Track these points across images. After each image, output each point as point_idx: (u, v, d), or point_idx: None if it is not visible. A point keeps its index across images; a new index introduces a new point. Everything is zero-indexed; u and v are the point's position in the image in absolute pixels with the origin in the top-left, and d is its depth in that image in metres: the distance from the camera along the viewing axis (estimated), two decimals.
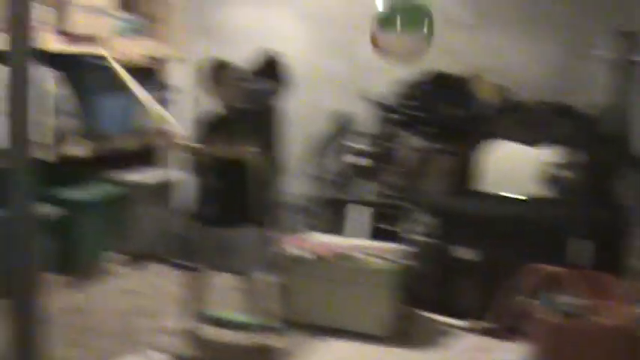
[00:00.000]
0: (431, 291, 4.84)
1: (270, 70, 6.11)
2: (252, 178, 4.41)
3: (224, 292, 5.19)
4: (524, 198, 4.94)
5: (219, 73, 4.42)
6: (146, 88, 5.88)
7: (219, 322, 4.79)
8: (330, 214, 5.98)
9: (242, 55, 6.33)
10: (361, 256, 4.38)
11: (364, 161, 5.72)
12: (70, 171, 5.50)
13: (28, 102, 2.06)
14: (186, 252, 5.69)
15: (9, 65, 2.10)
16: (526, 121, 5.19)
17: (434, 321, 4.80)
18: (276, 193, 4.73)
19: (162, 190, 6.10)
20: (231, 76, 4.43)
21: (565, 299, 3.88)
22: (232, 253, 4.45)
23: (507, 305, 4.18)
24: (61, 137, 5.11)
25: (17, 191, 2.07)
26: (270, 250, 4.51)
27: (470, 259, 4.76)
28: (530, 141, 5.12)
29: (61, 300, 5.03)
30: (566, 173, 4.98)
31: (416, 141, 5.71)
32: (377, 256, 4.39)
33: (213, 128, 4.42)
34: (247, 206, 4.40)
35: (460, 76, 5.69)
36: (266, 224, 4.46)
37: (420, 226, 4.90)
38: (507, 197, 4.95)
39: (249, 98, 5.86)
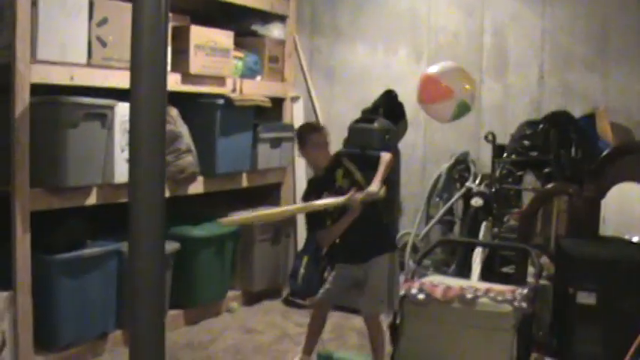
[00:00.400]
0: (549, 336, 4.72)
1: (391, 109, 6.13)
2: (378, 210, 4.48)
3: (341, 330, 5.19)
4: None
5: (307, 137, 4.51)
6: (264, 127, 6.00)
7: None
8: (446, 255, 5.92)
9: (363, 94, 6.40)
10: (479, 298, 4.30)
11: (481, 202, 5.64)
12: (187, 208, 5.60)
13: (162, 140, 2.09)
14: (304, 289, 5.73)
15: (133, 103, 2.15)
16: None
17: None
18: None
19: (279, 227, 6.14)
20: (319, 140, 4.48)
21: None
22: (358, 291, 4.49)
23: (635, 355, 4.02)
24: (178, 175, 5.20)
25: (146, 227, 2.10)
26: (392, 284, 4.51)
27: (590, 303, 4.61)
28: None
29: (176, 335, 5.11)
30: None
31: (534, 182, 5.62)
32: (495, 299, 4.30)
33: (322, 185, 4.50)
34: (377, 238, 4.50)
35: (580, 116, 5.58)
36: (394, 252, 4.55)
37: (537, 269, 4.78)
38: (629, 241, 4.80)
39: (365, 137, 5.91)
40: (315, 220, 4.52)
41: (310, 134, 4.50)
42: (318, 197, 4.43)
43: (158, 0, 2.03)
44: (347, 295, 4.60)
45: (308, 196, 4.52)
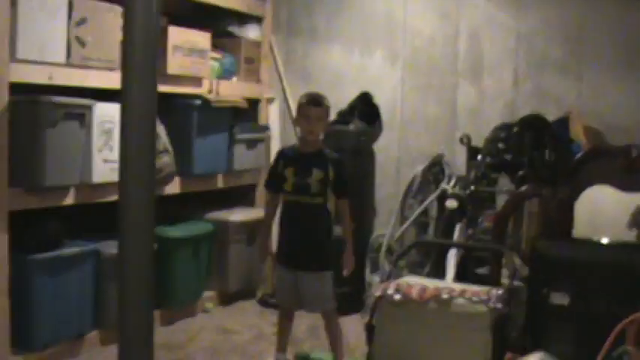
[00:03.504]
0: (524, 336, 4.79)
1: (367, 112, 6.17)
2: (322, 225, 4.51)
3: (317, 330, 5.24)
4: (619, 243, 4.85)
5: (302, 107, 4.50)
6: (240, 128, 6.03)
7: None
8: (420, 257, 5.97)
9: (338, 96, 6.44)
10: (455, 299, 4.36)
11: (456, 204, 5.70)
12: (164, 208, 5.60)
13: (152, 139, 2.12)
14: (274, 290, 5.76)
15: (124, 103, 2.18)
16: (621, 166, 5.11)
17: None
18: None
19: (254, 229, 6.17)
20: (310, 113, 4.47)
21: None
22: (308, 293, 4.53)
23: (610, 354, 4.09)
24: (155, 175, 5.21)
25: (136, 226, 2.13)
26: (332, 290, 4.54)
27: (563, 304, 4.69)
28: (625, 186, 5.04)
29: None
30: None
31: (508, 184, 5.68)
32: (470, 300, 4.36)
33: (291, 161, 4.51)
34: (316, 252, 4.50)
35: (554, 120, 5.66)
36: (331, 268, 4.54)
37: (511, 270, 4.84)
38: (601, 243, 4.87)
39: (340, 139, 5.95)
40: (273, 178, 4.60)
41: (305, 105, 4.47)
42: (283, 168, 4.48)
43: (149, 2, 2.06)
44: (296, 295, 4.58)
45: (276, 164, 4.58)
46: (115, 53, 4.76)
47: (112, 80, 4.67)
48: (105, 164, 4.74)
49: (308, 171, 4.44)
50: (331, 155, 4.52)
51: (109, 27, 4.73)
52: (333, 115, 6.16)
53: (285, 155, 4.58)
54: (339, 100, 6.40)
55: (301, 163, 4.48)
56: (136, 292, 2.15)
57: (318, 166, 4.44)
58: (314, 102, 4.49)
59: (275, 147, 6.60)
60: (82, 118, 4.58)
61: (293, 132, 6.67)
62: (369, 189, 6.34)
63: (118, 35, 4.70)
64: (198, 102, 5.61)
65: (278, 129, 6.72)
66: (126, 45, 2.14)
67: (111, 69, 4.75)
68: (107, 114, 4.72)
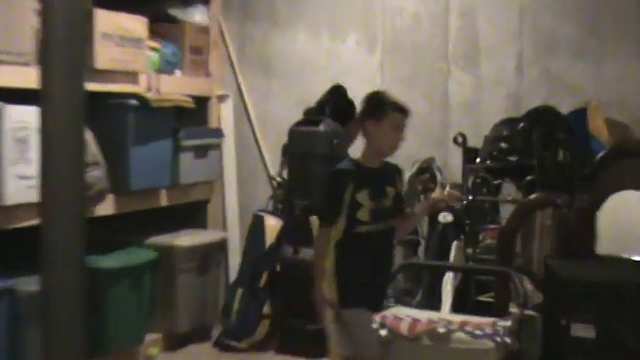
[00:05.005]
0: None
1: (340, 108, 6.16)
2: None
3: None
4: None
5: (392, 112, 4.14)
6: (187, 133, 6.00)
7: None
8: (409, 283, 5.96)
9: (305, 91, 6.43)
10: (454, 333, 4.36)
11: (451, 218, 5.71)
12: (95, 233, 5.56)
13: (80, 149, 2.08)
14: (239, 328, 5.70)
15: (43, 105, 2.14)
16: None
17: None
18: None
19: (207, 255, 6.15)
20: (401, 123, 4.16)
21: None
22: None
23: None
24: (84, 192, 5.17)
25: (62, 256, 2.09)
26: None
27: (585, 336, 4.70)
28: None
29: None
30: None
31: (514, 192, 5.70)
32: (472, 334, 4.37)
33: (361, 182, 4.10)
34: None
35: (568, 112, 5.67)
36: None
37: (522, 297, 4.86)
38: (631, 260, 4.89)
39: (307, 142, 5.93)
40: (337, 207, 4.14)
41: (396, 113, 4.12)
42: (354, 192, 4.06)
43: None
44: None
45: (341, 188, 4.09)
46: (29, 45, 4.71)
47: (27, 77, 4.61)
48: (20, 181, 4.68)
49: (382, 191, 4.15)
50: (393, 165, 4.33)
51: (19, 13, 4.67)
52: (299, 114, 6.17)
53: (353, 176, 4.13)
54: (305, 95, 6.40)
55: (372, 182, 4.15)
56: (63, 338, 2.11)
57: (389, 183, 4.20)
58: (405, 110, 4.17)
59: (229, 154, 6.58)
60: None
61: (252, 137, 6.68)
62: None
63: (32, 22, 4.66)
64: (134, 102, 5.56)
65: (233, 132, 6.70)
66: (44, 35, 2.10)
67: (24, 64, 4.70)
68: (21, 119, 4.66)
